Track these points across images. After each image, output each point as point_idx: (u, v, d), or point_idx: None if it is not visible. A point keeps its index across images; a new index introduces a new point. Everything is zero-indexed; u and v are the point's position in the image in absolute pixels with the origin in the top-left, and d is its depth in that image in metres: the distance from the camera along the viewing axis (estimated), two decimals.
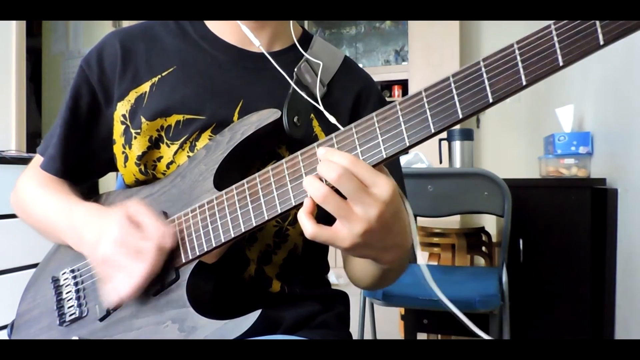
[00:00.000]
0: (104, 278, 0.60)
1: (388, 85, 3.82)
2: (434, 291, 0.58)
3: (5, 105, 2.13)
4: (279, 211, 0.55)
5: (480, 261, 2.85)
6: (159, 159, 0.69)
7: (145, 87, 0.69)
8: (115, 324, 0.63)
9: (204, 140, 0.67)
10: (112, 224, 0.59)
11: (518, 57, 0.44)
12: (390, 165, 0.76)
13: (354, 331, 0.98)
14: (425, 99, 0.48)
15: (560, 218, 1.74)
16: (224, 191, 0.59)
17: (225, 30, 0.72)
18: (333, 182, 0.48)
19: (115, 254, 0.57)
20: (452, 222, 2.60)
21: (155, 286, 0.61)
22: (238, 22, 0.69)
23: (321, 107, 0.66)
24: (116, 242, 0.58)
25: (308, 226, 0.50)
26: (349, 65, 0.78)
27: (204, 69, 0.70)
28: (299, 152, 0.55)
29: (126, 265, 0.57)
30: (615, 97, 1.78)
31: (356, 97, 0.75)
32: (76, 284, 0.68)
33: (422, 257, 0.52)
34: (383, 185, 0.49)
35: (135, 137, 0.68)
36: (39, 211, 0.71)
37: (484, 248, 2.54)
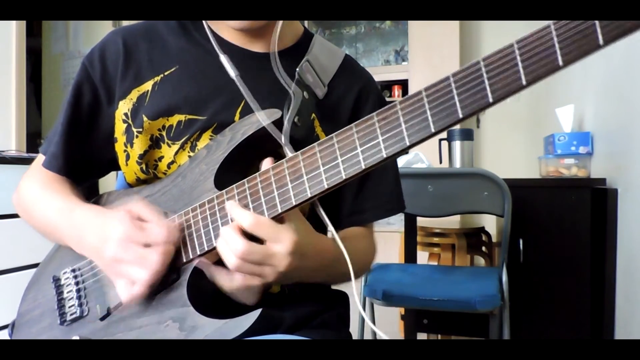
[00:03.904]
0: (115, 277, 0.60)
1: (388, 85, 3.82)
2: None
3: (5, 105, 2.13)
4: (280, 210, 0.55)
5: (480, 261, 2.85)
6: (160, 158, 0.69)
7: (148, 86, 0.69)
8: (115, 323, 0.63)
9: (204, 141, 0.67)
10: (115, 223, 0.59)
11: (518, 57, 0.44)
12: (386, 165, 0.77)
13: (354, 331, 0.98)
14: (425, 99, 0.48)
15: (560, 218, 1.74)
16: (224, 190, 0.60)
17: (228, 30, 0.72)
18: (235, 266, 0.55)
19: (124, 251, 0.57)
20: (452, 222, 2.60)
21: (156, 286, 0.61)
22: (219, 53, 0.69)
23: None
24: (123, 240, 0.58)
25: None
26: (349, 64, 0.78)
27: (206, 68, 0.70)
28: (299, 152, 0.55)
29: (138, 260, 0.57)
30: (615, 97, 1.78)
31: (357, 95, 0.76)
32: (77, 283, 0.68)
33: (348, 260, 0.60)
34: (285, 240, 0.54)
35: (137, 136, 0.68)
36: (40, 212, 0.71)
37: (484, 248, 2.54)
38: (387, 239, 2.72)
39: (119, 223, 0.59)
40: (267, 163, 0.58)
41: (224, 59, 0.68)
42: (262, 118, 0.62)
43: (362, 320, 1.58)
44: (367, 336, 1.65)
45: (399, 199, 0.79)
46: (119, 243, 0.58)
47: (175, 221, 0.61)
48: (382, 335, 0.57)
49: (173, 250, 0.59)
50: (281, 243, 0.54)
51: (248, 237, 0.55)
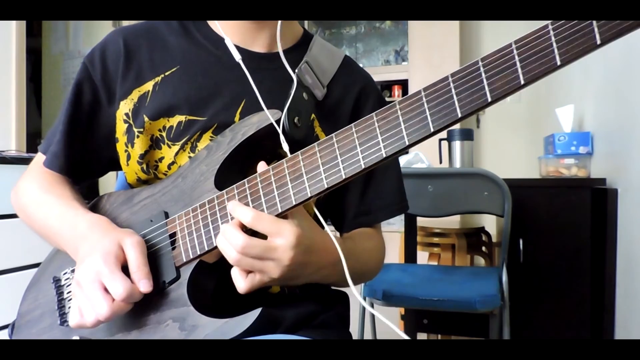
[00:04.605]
0: (73, 295, 0.60)
1: (388, 85, 3.82)
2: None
3: (5, 105, 2.13)
4: (280, 210, 0.55)
5: (480, 261, 2.85)
6: (161, 159, 0.69)
7: (149, 86, 0.69)
8: (115, 323, 0.63)
9: (205, 141, 0.67)
10: (102, 250, 0.57)
11: (516, 57, 0.44)
12: (389, 165, 0.77)
13: (354, 331, 0.98)
14: (424, 99, 0.48)
15: (560, 218, 1.74)
16: (224, 190, 0.60)
17: (228, 30, 0.72)
18: (236, 261, 0.54)
19: (88, 283, 0.56)
20: (452, 222, 2.60)
21: (156, 285, 0.61)
22: (224, 36, 0.69)
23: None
24: (93, 272, 0.56)
25: (240, 283, 0.56)
26: (349, 64, 0.78)
27: (207, 68, 0.70)
28: (299, 152, 0.55)
29: (91, 299, 0.56)
30: (615, 97, 1.78)
31: (357, 96, 0.76)
32: None
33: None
34: (287, 234, 0.54)
35: (138, 136, 0.68)
36: (40, 216, 0.70)
37: (484, 248, 2.54)
38: (387, 239, 2.70)
39: (100, 254, 0.57)
40: (261, 167, 0.58)
41: (228, 42, 0.69)
42: (270, 114, 0.62)
43: (362, 321, 1.58)
44: (367, 336, 1.65)
45: (404, 199, 0.80)
46: (88, 273, 0.57)
47: (150, 277, 0.58)
48: (383, 320, 0.56)
49: (127, 309, 0.57)
50: (283, 236, 0.54)
51: (250, 234, 0.55)
